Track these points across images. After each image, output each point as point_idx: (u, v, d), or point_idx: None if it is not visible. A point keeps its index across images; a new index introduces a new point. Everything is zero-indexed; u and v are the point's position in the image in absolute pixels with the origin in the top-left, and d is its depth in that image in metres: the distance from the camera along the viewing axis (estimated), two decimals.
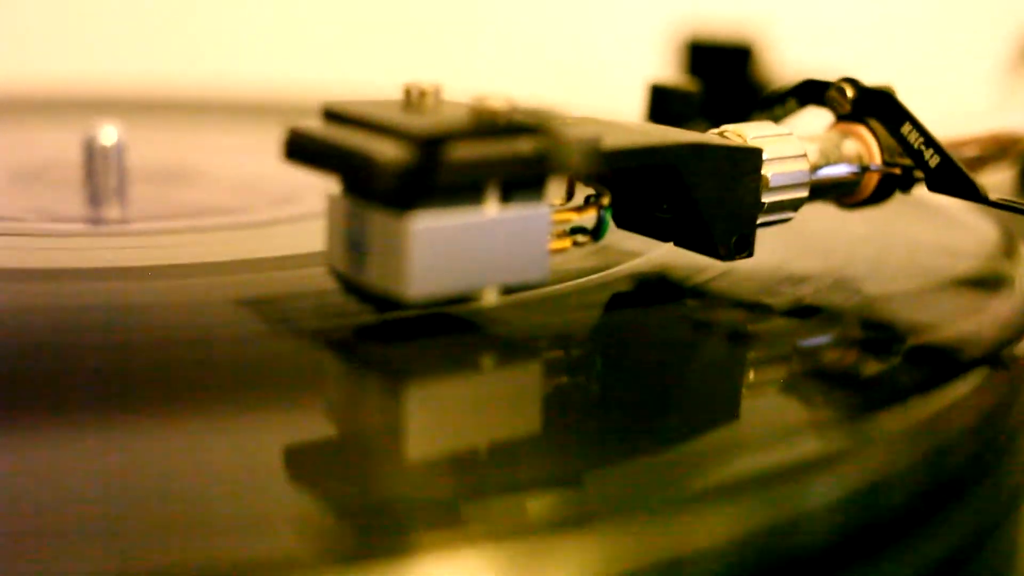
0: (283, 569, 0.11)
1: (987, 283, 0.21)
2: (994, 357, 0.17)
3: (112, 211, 0.23)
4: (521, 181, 0.15)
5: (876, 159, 0.20)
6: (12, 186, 0.25)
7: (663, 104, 0.23)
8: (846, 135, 0.21)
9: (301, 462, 0.13)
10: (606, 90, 0.48)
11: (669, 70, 0.43)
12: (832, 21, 0.53)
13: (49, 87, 0.38)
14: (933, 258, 0.22)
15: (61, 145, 0.27)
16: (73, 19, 0.47)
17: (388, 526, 0.12)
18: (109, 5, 0.48)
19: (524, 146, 0.15)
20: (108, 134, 0.24)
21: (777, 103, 0.22)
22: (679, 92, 0.23)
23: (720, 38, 0.43)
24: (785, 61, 0.43)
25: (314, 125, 0.16)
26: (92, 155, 0.24)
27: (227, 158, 0.28)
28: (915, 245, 0.23)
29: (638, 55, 0.48)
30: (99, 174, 0.23)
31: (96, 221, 0.23)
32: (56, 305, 0.17)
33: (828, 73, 0.38)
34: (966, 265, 0.22)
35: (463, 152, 0.15)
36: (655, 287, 0.19)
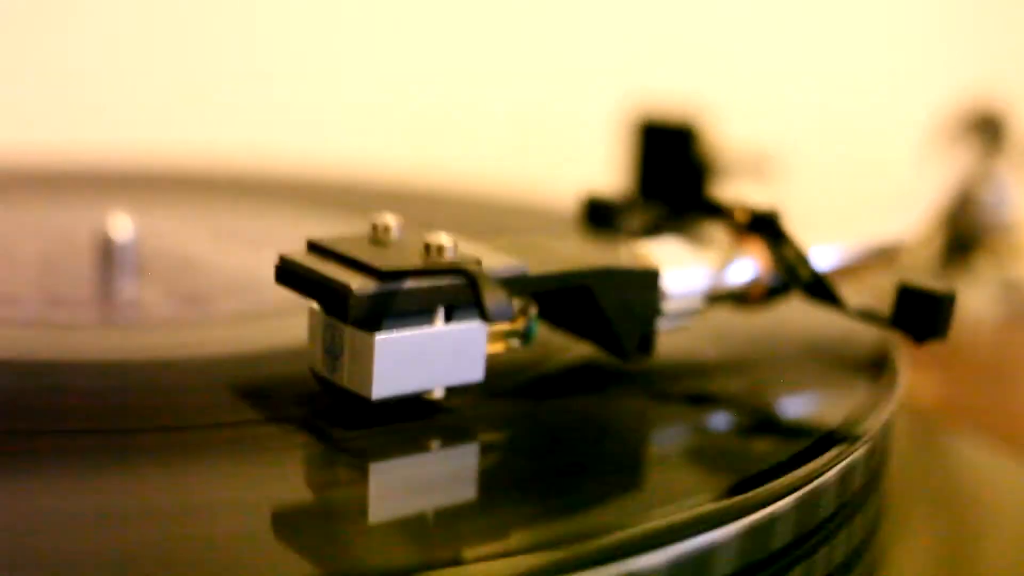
0: None
1: (860, 367, 0.26)
2: (850, 434, 0.21)
3: (120, 303, 0.27)
4: (462, 306, 0.19)
5: (767, 270, 0.25)
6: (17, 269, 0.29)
7: (597, 212, 0.28)
8: (745, 246, 0.25)
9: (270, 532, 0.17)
10: (569, 159, 0.53)
11: (623, 147, 0.47)
12: (776, 99, 0.58)
13: (56, 161, 0.41)
14: (823, 345, 0.27)
15: (70, 228, 0.30)
16: (77, 93, 0.51)
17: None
18: (110, 77, 0.52)
19: (458, 282, 0.19)
20: (121, 227, 0.28)
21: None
22: (610, 204, 0.27)
23: (667, 119, 0.48)
24: (729, 138, 0.47)
25: (300, 254, 0.20)
26: (105, 250, 0.28)
27: (235, 244, 0.32)
28: (812, 333, 0.27)
29: (597, 128, 0.52)
30: (111, 268, 0.27)
31: (104, 313, 0.27)
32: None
33: (765, 149, 0.42)
34: (850, 352, 0.26)
35: (414, 284, 0.19)
36: (580, 375, 0.23)
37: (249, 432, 0.20)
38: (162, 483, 0.18)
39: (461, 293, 0.19)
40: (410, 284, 0.19)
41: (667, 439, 0.21)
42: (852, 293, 0.24)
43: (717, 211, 0.25)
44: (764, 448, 0.21)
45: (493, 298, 0.17)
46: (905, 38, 0.61)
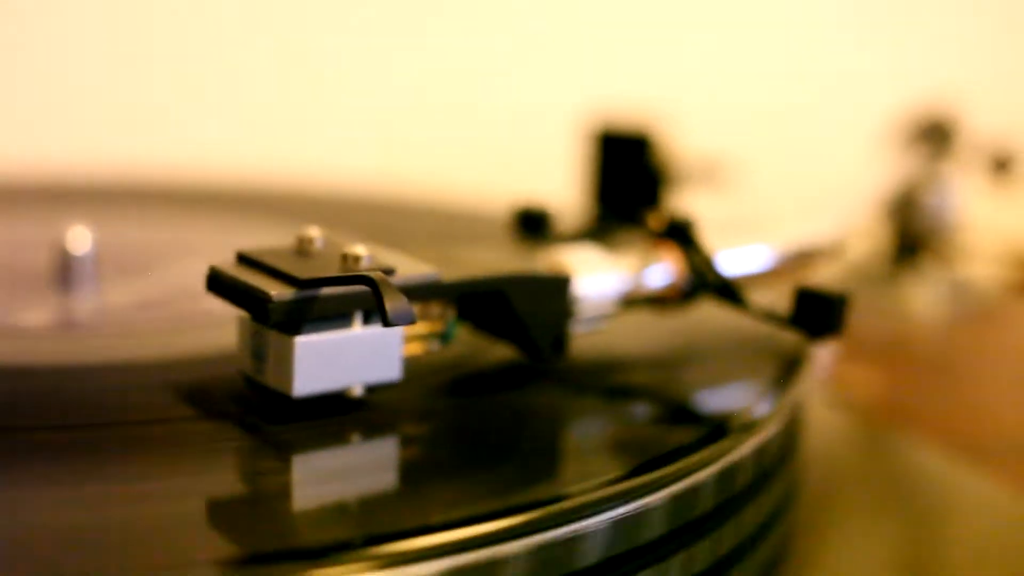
0: None
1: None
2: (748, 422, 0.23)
3: (74, 311, 0.29)
4: (374, 310, 0.21)
5: (680, 275, 0.26)
6: None
7: (529, 221, 0.29)
8: (660, 252, 0.26)
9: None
10: (531, 168, 0.54)
11: (582, 157, 0.49)
12: (731, 106, 0.59)
13: (11, 175, 0.43)
14: (737, 345, 0.28)
15: (29, 241, 0.32)
16: (36, 104, 0.53)
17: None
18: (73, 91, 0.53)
19: (368, 289, 0.20)
20: (79, 239, 0.29)
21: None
22: (540, 214, 0.29)
23: (623, 128, 0.49)
24: (684, 146, 0.49)
25: (229, 264, 0.22)
26: (64, 262, 0.29)
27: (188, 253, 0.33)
28: (730, 334, 0.29)
29: (557, 138, 0.53)
30: (70, 280, 0.29)
31: (58, 320, 0.28)
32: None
33: (718, 157, 0.44)
34: (765, 351, 0.28)
35: (329, 291, 0.20)
36: (499, 374, 0.25)
37: (184, 427, 0.21)
38: (100, 473, 0.19)
39: (371, 299, 0.20)
40: (325, 291, 0.20)
41: (575, 428, 0.23)
42: (786, 293, 0.26)
43: (635, 219, 0.27)
44: (652, 437, 0.23)
45: (394, 303, 0.19)
46: (856, 44, 0.63)
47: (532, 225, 0.29)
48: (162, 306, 0.29)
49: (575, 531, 0.19)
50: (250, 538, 0.18)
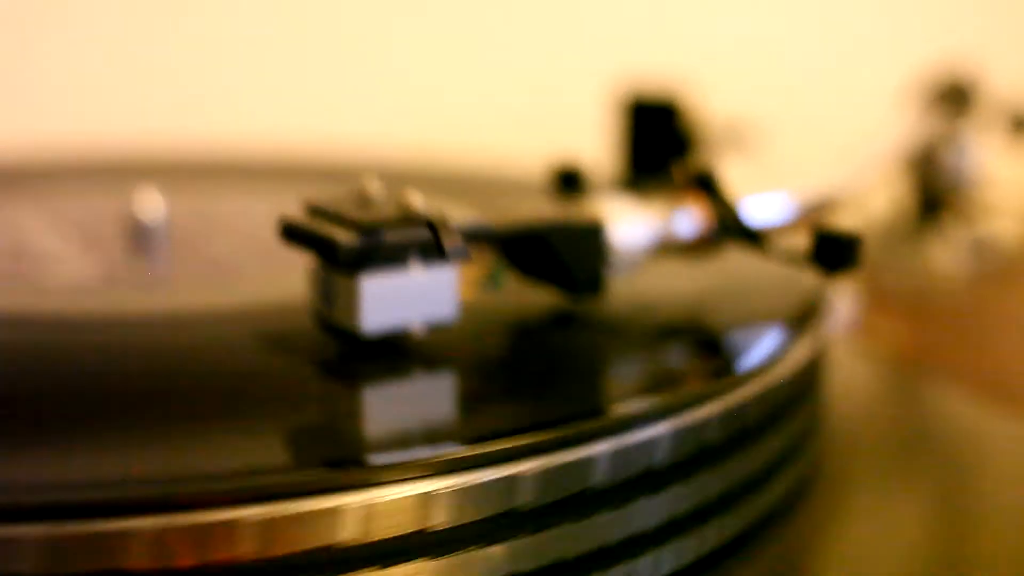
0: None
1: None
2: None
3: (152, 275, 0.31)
4: (433, 253, 0.23)
5: (707, 221, 0.28)
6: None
7: (567, 179, 0.31)
8: (687, 201, 0.29)
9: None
10: (559, 135, 0.56)
11: (613, 124, 0.51)
12: (758, 69, 0.61)
13: (83, 151, 0.46)
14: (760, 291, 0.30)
15: (104, 212, 0.34)
16: (102, 79, 0.56)
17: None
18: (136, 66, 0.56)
19: (426, 233, 0.23)
20: (151, 209, 0.32)
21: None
22: (577, 172, 0.31)
23: (653, 96, 0.51)
24: (712, 111, 0.51)
25: (299, 215, 0.24)
26: (136, 232, 0.32)
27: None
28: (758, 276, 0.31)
29: (586, 104, 0.55)
30: (143, 247, 0.31)
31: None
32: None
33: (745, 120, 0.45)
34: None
35: (391, 235, 0.23)
36: (544, 318, 0.27)
37: (268, 362, 0.24)
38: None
39: (429, 242, 0.23)
40: (388, 235, 0.23)
41: (607, 362, 0.25)
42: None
43: (664, 176, 0.29)
44: (672, 371, 0.25)
45: (451, 241, 0.21)
46: (878, 6, 0.65)
47: (569, 182, 0.31)
48: (233, 267, 0.31)
49: (592, 451, 0.21)
50: (334, 449, 0.21)
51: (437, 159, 0.47)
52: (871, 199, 0.51)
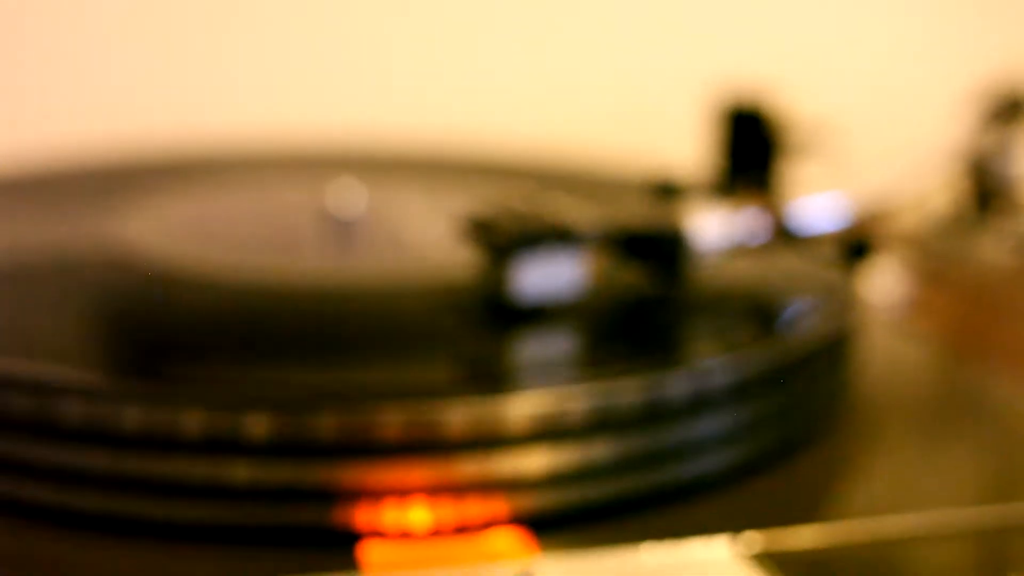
0: None
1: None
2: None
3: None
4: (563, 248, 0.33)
5: (765, 226, 0.37)
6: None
7: (664, 188, 0.41)
8: (758, 207, 0.38)
9: None
10: (651, 134, 0.64)
11: (705, 124, 0.59)
12: (834, 74, 0.69)
13: (282, 141, 0.55)
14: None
15: (299, 204, 0.44)
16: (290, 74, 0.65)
17: None
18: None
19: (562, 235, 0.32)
20: (350, 205, 0.41)
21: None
22: (671, 184, 0.40)
23: (744, 104, 0.59)
24: (796, 114, 0.58)
25: (480, 217, 0.34)
26: (334, 223, 0.41)
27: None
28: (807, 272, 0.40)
29: (679, 103, 0.63)
30: (341, 239, 0.41)
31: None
32: None
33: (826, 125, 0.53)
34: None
35: (538, 239, 0.32)
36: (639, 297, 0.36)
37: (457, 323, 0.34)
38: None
39: (561, 242, 0.32)
40: (536, 238, 0.32)
41: (683, 330, 0.35)
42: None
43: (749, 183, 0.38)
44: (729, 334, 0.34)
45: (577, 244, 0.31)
46: (944, 20, 0.72)
47: (666, 191, 0.40)
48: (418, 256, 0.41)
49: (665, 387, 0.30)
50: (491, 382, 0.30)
51: (561, 156, 0.55)
52: (931, 199, 0.59)
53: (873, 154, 0.60)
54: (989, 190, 0.59)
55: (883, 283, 0.52)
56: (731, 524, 0.29)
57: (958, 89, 0.61)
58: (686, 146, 0.60)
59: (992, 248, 0.58)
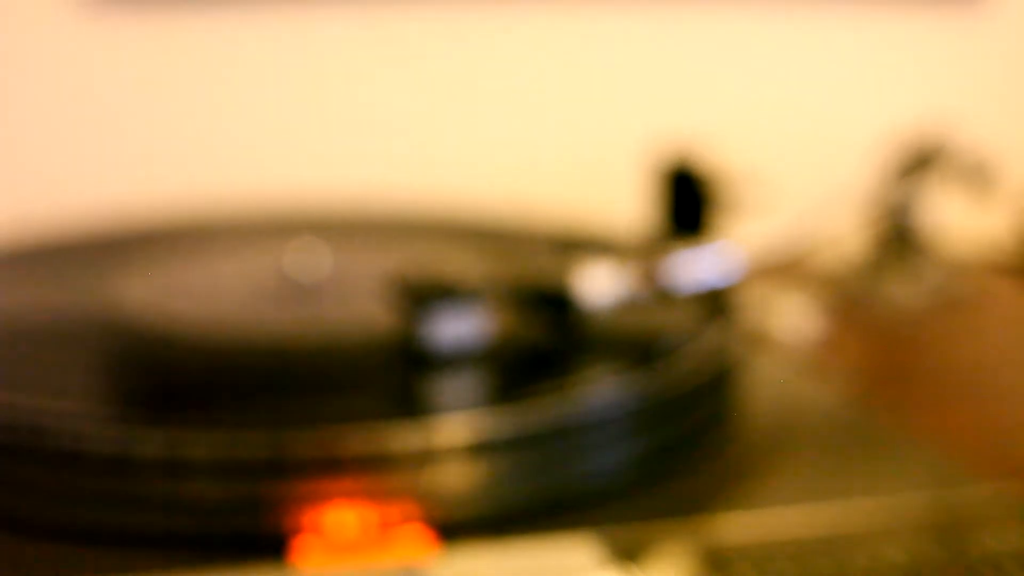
0: None
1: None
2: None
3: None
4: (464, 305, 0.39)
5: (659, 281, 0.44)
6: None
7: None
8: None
9: None
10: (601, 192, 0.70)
11: (649, 185, 0.64)
12: (762, 130, 0.74)
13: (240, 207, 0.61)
14: None
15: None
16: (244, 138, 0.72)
17: None
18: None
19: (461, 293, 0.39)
20: (307, 267, 0.48)
21: None
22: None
23: (683, 162, 0.64)
24: (731, 169, 0.63)
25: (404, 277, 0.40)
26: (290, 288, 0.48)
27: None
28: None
29: (624, 165, 0.69)
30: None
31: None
32: None
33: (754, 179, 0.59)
34: None
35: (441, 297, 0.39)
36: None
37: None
38: None
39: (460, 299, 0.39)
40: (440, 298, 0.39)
41: (579, 366, 0.41)
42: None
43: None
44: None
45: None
46: (857, 77, 0.78)
47: (570, 247, 0.47)
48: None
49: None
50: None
51: (497, 215, 0.60)
52: (845, 242, 0.65)
53: (794, 201, 0.65)
54: (901, 236, 0.65)
55: (794, 321, 0.58)
56: (611, 530, 0.35)
57: (875, 142, 0.67)
58: (631, 203, 0.66)
59: (902, 291, 0.64)
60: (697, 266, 0.45)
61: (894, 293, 0.64)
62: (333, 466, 0.34)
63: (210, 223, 0.58)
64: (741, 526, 0.36)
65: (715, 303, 0.44)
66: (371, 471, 0.34)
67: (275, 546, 0.33)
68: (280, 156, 0.71)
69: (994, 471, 0.41)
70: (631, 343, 0.44)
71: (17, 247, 0.54)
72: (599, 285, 0.42)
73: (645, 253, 0.45)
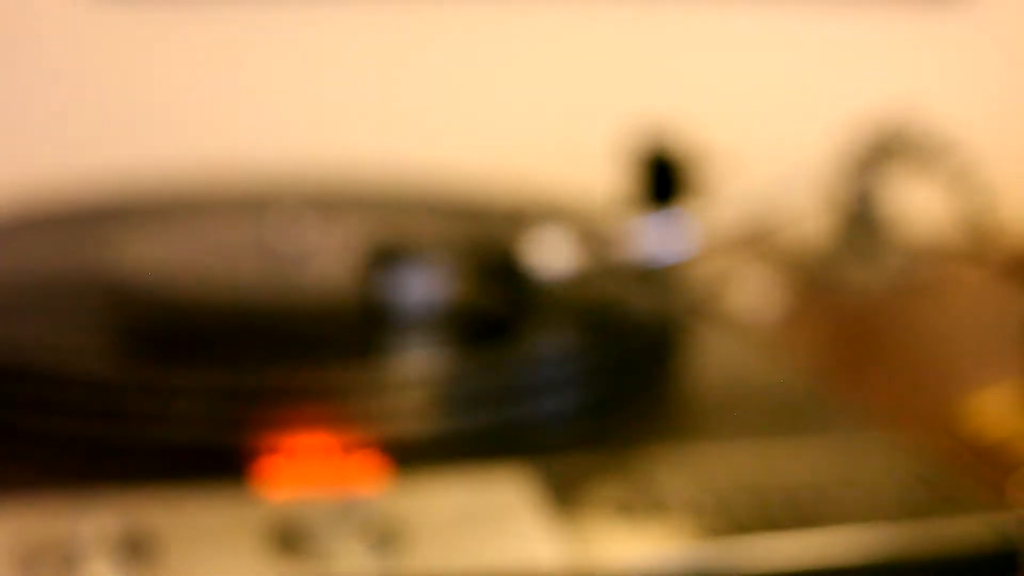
0: None
1: None
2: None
3: None
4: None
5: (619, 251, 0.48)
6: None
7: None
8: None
9: None
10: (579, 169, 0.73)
11: (626, 167, 0.67)
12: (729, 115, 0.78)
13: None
14: None
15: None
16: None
17: None
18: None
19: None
20: (289, 235, 0.52)
21: None
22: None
23: (657, 145, 0.67)
24: (702, 149, 0.66)
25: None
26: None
27: None
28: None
29: (601, 145, 0.72)
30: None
31: None
32: None
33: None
34: None
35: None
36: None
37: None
38: None
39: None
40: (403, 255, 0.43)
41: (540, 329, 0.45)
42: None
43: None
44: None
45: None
46: (824, 66, 0.80)
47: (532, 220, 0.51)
48: None
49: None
50: None
51: (449, 187, 0.63)
52: (808, 223, 0.68)
53: (762, 182, 0.68)
54: (863, 220, 0.68)
55: (754, 297, 0.61)
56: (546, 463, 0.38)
57: (840, 129, 0.70)
58: (609, 180, 0.69)
59: (863, 273, 0.67)
60: (654, 239, 0.49)
61: (854, 274, 0.67)
62: (299, 396, 0.39)
63: (203, 192, 0.63)
64: (667, 463, 0.39)
65: (667, 275, 0.48)
66: (332, 403, 0.38)
67: (245, 464, 0.38)
68: (268, 132, 0.75)
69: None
70: (580, 308, 0.48)
71: (27, 213, 0.58)
72: (551, 255, 0.46)
73: (602, 225, 0.49)
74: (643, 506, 0.37)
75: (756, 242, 0.66)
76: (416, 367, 0.40)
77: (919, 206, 0.69)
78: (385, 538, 0.34)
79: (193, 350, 0.42)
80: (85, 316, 0.45)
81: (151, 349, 0.42)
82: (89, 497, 0.34)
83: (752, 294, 0.61)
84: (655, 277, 0.49)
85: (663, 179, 0.64)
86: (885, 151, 0.68)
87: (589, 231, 0.48)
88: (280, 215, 0.54)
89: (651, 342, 0.46)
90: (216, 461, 0.37)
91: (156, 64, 0.73)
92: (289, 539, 0.34)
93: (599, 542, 0.35)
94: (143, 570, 0.33)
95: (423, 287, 0.44)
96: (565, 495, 0.37)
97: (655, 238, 0.49)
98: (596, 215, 0.58)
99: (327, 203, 0.60)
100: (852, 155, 0.68)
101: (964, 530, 0.37)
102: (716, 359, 0.51)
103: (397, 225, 0.47)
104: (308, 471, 0.37)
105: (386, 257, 0.43)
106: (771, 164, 0.70)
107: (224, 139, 0.74)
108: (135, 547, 0.33)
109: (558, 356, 0.42)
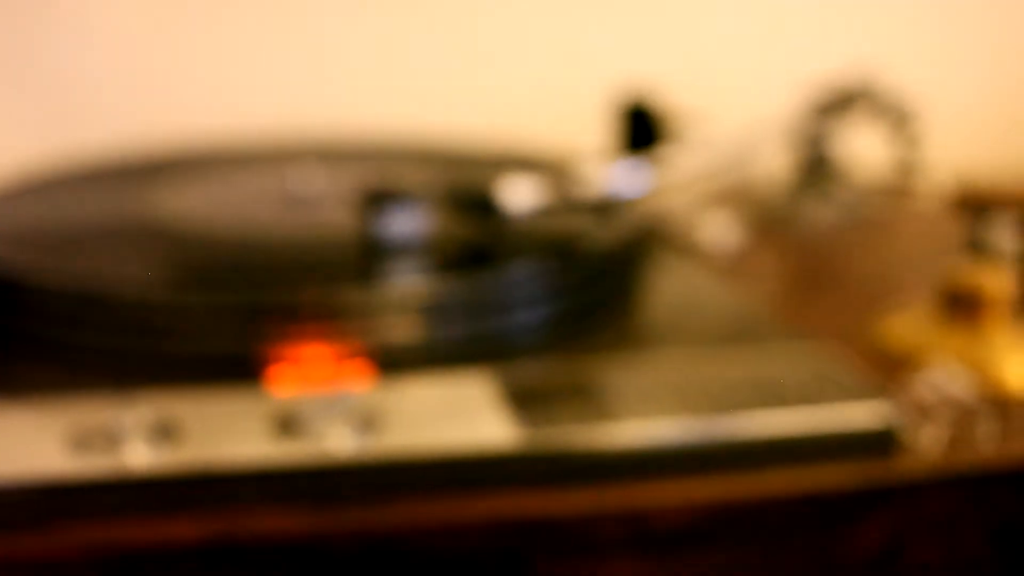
0: None
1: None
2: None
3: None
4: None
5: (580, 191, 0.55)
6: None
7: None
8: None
9: None
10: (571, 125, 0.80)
11: (611, 122, 0.74)
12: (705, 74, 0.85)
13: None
14: None
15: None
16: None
17: None
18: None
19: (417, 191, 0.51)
20: (305, 184, 0.61)
21: None
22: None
23: (639, 101, 0.74)
24: (680, 106, 0.72)
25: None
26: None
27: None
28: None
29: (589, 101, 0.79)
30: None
31: None
32: None
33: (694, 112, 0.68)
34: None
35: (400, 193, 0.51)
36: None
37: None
38: None
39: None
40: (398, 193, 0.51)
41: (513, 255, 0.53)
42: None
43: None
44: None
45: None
46: (789, 22, 0.87)
47: (503, 166, 0.58)
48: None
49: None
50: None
51: (438, 139, 0.72)
52: (769, 166, 0.75)
53: (726, 131, 0.75)
54: (819, 163, 0.75)
55: (716, 233, 0.68)
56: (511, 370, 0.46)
57: (803, 83, 0.76)
58: (595, 133, 0.76)
59: (818, 211, 0.74)
60: (622, 180, 0.56)
61: (810, 212, 0.74)
62: (305, 313, 0.47)
63: (230, 149, 0.71)
64: (621, 364, 0.47)
65: (630, 209, 0.56)
66: (332, 318, 0.47)
67: (257, 369, 0.46)
68: (286, 92, 0.83)
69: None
70: (547, 238, 0.56)
71: (84, 169, 0.67)
72: (521, 194, 0.54)
73: (573, 169, 0.57)
74: (596, 395, 0.44)
75: (719, 181, 0.73)
76: (404, 289, 0.48)
77: (871, 150, 0.75)
78: (367, 424, 0.42)
79: (219, 278, 0.50)
80: (132, 251, 0.54)
81: (185, 277, 0.50)
82: (131, 395, 0.43)
83: (713, 228, 0.68)
84: (619, 210, 0.56)
85: (639, 128, 0.71)
86: (840, 101, 0.74)
87: (559, 173, 0.56)
88: (295, 166, 0.63)
89: (612, 266, 0.54)
90: (233, 366, 0.46)
91: (175, 32, 0.81)
92: (289, 424, 0.42)
93: (553, 426, 0.42)
94: (173, 448, 0.41)
95: (411, 222, 0.52)
96: (526, 391, 0.44)
97: (623, 179, 0.57)
98: (570, 162, 0.65)
99: (335, 156, 0.69)
100: (811, 105, 0.74)
101: (851, 415, 0.44)
102: (674, 283, 0.58)
103: (392, 173, 0.55)
104: (309, 375, 0.46)
105: (379, 198, 0.51)
106: (739, 118, 0.76)
107: (239, 102, 0.82)
108: (166, 431, 0.41)
109: (526, 277, 0.50)
